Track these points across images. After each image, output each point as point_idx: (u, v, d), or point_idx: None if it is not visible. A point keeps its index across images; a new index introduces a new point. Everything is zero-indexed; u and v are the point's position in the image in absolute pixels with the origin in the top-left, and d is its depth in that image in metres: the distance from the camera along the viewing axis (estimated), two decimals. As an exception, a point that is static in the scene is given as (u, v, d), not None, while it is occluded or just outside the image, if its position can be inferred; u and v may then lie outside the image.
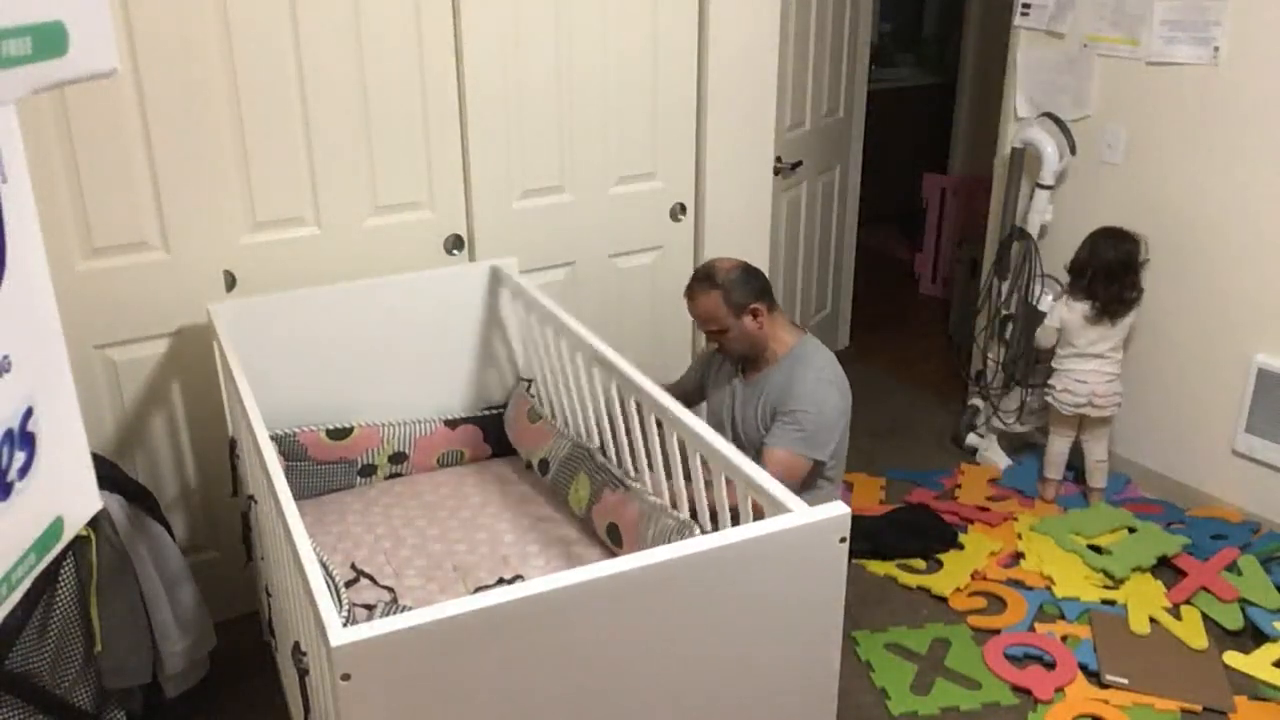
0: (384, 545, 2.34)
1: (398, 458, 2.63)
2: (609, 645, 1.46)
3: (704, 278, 2.50)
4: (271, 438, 1.94)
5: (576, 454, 2.40)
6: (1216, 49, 2.98)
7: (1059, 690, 2.53)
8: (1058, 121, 3.37)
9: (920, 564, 3.02)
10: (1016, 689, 2.55)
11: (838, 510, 1.56)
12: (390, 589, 2.18)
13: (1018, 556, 3.04)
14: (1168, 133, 3.16)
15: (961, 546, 3.07)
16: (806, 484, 2.45)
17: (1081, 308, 3.14)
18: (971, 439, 3.69)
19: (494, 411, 2.75)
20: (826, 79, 3.86)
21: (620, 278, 3.10)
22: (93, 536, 1.88)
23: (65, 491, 1.79)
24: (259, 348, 2.39)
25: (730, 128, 3.12)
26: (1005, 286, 3.52)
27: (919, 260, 5.42)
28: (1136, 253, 3.13)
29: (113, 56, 1.64)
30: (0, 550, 1.60)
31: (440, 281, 2.64)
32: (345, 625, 1.29)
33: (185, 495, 2.67)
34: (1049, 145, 3.32)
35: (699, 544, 1.48)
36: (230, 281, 2.55)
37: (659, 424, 2.03)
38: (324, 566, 1.68)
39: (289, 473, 2.44)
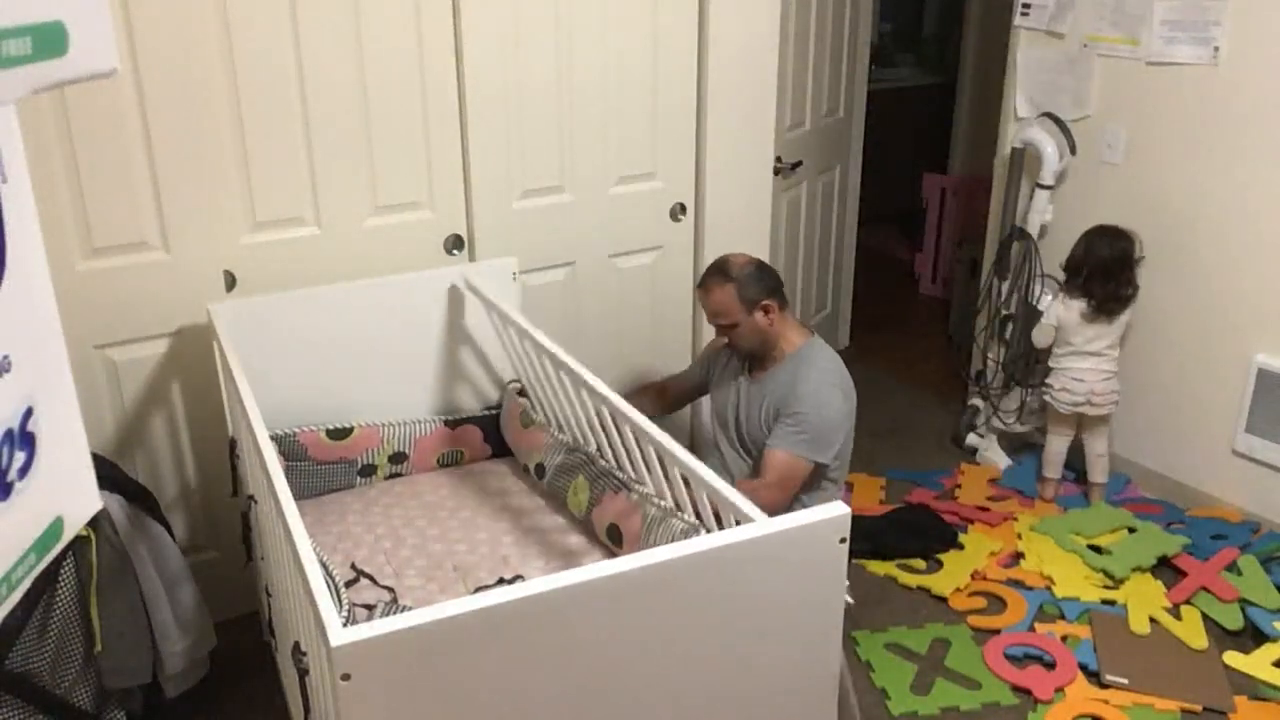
0: (384, 545, 2.34)
1: (398, 458, 2.63)
2: (609, 645, 1.46)
3: (718, 271, 2.50)
4: (271, 438, 1.94)
5: (573, 458, 2.40)
6: (1216, 49, 2.99)
7: (1059, 690, 2.53)
8: (1058, 121, 3.37)
9: (920, 564, 3.02)
10: (1016, 689, 2.55)
11: (838, 510, 1.56)
12: (390, 589, 2.17)
13: (1018, 556, 3.04)
14: (1168, 133, 3.16)
15: (961, 546, 3.07)
16: (809, 485, 2.45)
17: (1078, 305, 3.14)
18: (971, 439, 3.70)
19: (494, 411, 2.75)
20: (826, 79, 3.86)
21: (620, 278, 3.10)
22: (93, 536, 1.88)
23: (65, 491, 1.79)
24: (259, 348, 2.39)
25: (730, 128, 3.12)
26: (1005, 286, 3.52)
27: (919, 260, 5.42)
28: (1131, 249, 3.13)
29: (113, 56, 1.64)
30: (0, 550, 1.60)
31: (440, 281, 2.64)
32: (345, 625, 1.29)
33: (185, 495, 2.67)
34: (1049, 145, 3.33)
35: (699, 544, 1.48)
36: (230, 281, 2.55)
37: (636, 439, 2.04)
38: (324, 566, 1.68)
39: (289, 473, 2.44)
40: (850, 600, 1.62)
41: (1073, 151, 3.37)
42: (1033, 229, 3.43)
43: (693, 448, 2.56)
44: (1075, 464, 3.42)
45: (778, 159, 3.38)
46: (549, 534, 2.37)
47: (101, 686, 1.95)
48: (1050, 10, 3.38)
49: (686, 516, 2.00)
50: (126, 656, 2.01)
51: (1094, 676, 2.57)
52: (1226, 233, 3.07)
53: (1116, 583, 2.89)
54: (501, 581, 2.17)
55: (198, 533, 2.72)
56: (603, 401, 2.08)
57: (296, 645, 1.66)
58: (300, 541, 1.52)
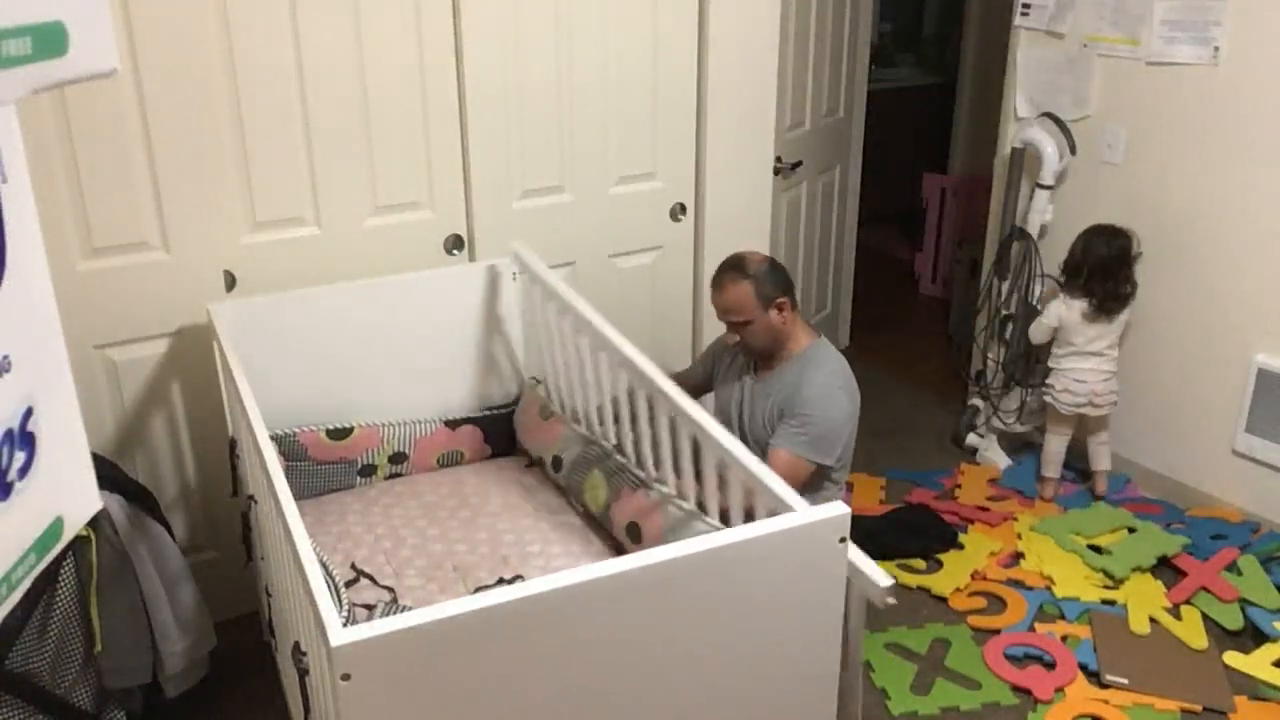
0: (384, 545, 2.34)
1: (398, 458, 2.63)
2: (609, 645, 1.46)
3: (734, 267, 2.50)
4: (271, 438, 1.94)
5: (590, 451, 2.40)
6: (1216, 49, 2.98)
7: (1059, 690, 2.53)
8: (1058, 121, 3.37)
9: (920, 564, 3.02)
10: (1016, 689, 2.55)
11: (838, 510, 1.56)
12: (390, 589, 2.17)
13: (1018, 556, 3.04)
14: (1168, 133, 3.16)
15: (961, 546, 3.07)
16: (811, 486, 2.45)
17: (1080, 306, 3.14)
18: (971, 439, 3.70)
19: (494, 412, 2.75)
20: (826, 79, 3.86)
21: (620, 278, 3.10)
22: (93, 536, 1.88)
23: (65, 491, 1.79)
24: (259, 348, 2.39)
25: (730, 128, 3.12)
26: (1005, 286, 3.52)
27: (919, 260, 5.42)
28: (1129, 247, 3.14)
29: (113, 56, 1.64)
30: (0, 550, 1.60)
31: (440, 281, 2.64)
32: (345, 625, 1.29)
33: (185, 495, 2.67)
34: (1049, 145, 3.33)
35: (699, 544, 1.48)
36: (230, 281, 2.55)
37: (671, 422, 2.03)
38: (324, 566, 1.69)
39: (289, 473, 2.44)
40: (892, 600, 1.62)
41: (1073, 151, 3.37)
42: (1033, 229, 3.43)
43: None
44: (1075, 464, 3.42)
45: (778, 159, 3.38)
46: (550, 534, 2.37)
47: (101, 686, 1.95)
48: (1050, 10, 3.38)
49: (711, 520, 2.00)
50: (126, 656, 2.01)
51: (1094, 676, 2.57)
52: (1226, 233, 3.07)
53: (1116, 583, 2.89)
54: (501, 581, 2.17)
55: (198, 533, 2.72)
56: (642, 379, 2.06)
57: (296, 645, 1.66)
58: (300, 541, 1.52)
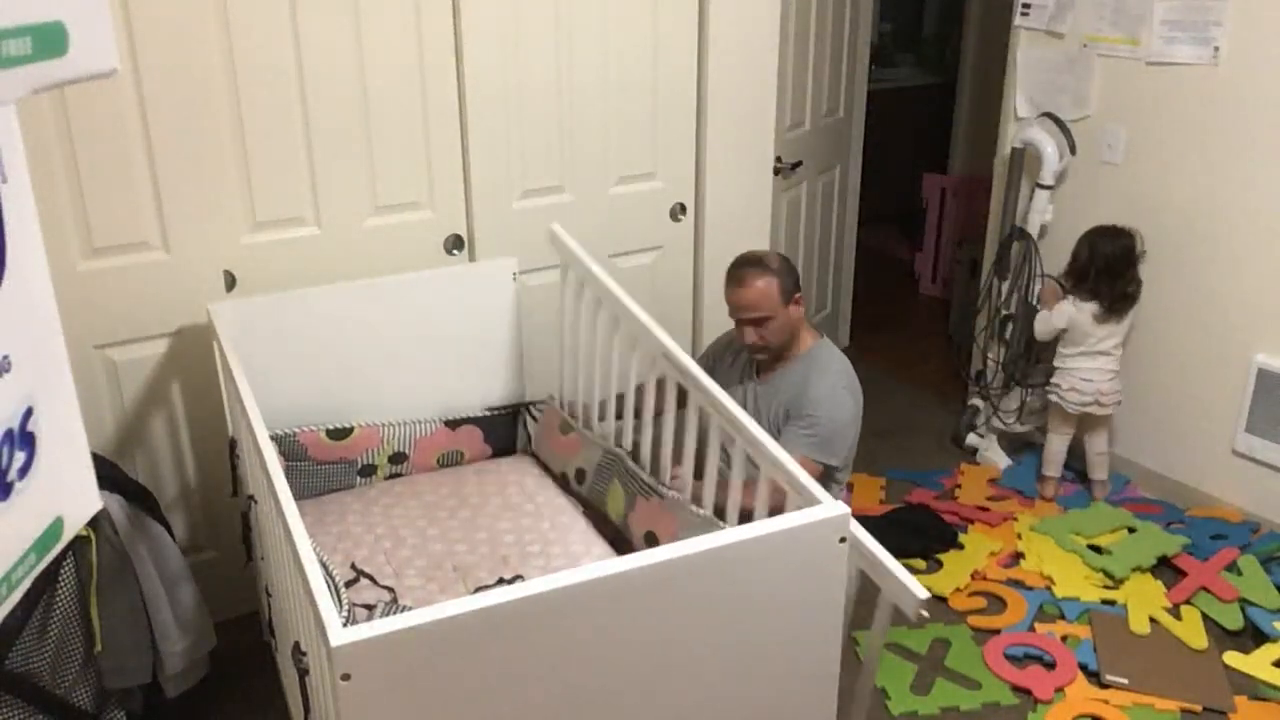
0: (384, 545, 2.34)
1: (398, 458, 2.63)
2: (609, 645, 1.46)
3: (755, 263, 2.49)
4: (271, 438, 1.94)
5: (608, 461, 2.40)
6: (1216, 49, 2.99)
7: (1059, 690, 2.53)
8: (1058, 121, 3.37)
9: (920, 564, 3.02)
10: (1016, 689, 2.55)
11: (838, 510, 1.56)
12: (390, 589, 2.17)
13: (1018, 556, 3.04)
14: (1168, 133, 3.16)
15: (961, 546, 3.07)
16: None
17: (1091, 308, 3.14)
18: (971, 439, 3.70)
19: (494, 412, 2.75)
20: (826, 79, 3.86)
21: (620, 278, 3.06)
22: (93, 536, 1.88)
23: (65, 491, 1.79)
24: (259, 348, 2.39)
25: (730, 128, 3.12)
26: (1005, 286, 3.52)
27: (919, 260, 5.42)
28: (1134, 246, 3.14)
29: (113, 56, 1.64)
30: (0, 550, 1.60)
31: (440, 281, 2.64)
32: (345, 625, 1.29)
33: (185, 495, 2.67)
34: (1049, 145, 3.33)
35: (699, 544, 1.48)
36: (230, 281, 2.55)
37: (700, 416, 2.04)
38: (324, 566, 1.68)
39: (289, 473, 2.44)
40: (926, 614, 1.62)
41: (1073, 151, 3.37)
42: (1033, 229, 3.43)
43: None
44: (1075, 464, 3.42)
45: (778, 159, 3.39)
46: (549, 534, 2.37)
47: (101, 686, 1.95)
48: (1050, 10, 3.38)
49: (730, 524, 1.99)
50: (126, 656, 2.01)
51: (1094, 676, 2.57)
52: (1226, 233, 3.07)
53: (1116, 583, 2.89)
54: (501, 581, 2.17)
55: (198, 533, 2.72)
56: (680, 370, 2.07)
57: (296, 645, 1.66)
58: (300, 541, 1.52)
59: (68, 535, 1.81)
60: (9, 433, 1.56)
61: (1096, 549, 3.04)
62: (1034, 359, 3.48)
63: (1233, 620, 2.73)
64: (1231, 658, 2.62)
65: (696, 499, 2.14)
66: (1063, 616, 2.79)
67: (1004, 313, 3.54)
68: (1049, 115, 3.39)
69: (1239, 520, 3.13)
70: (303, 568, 1.46)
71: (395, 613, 1.75)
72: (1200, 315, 3.18)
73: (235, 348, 2.17)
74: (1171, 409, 3.31)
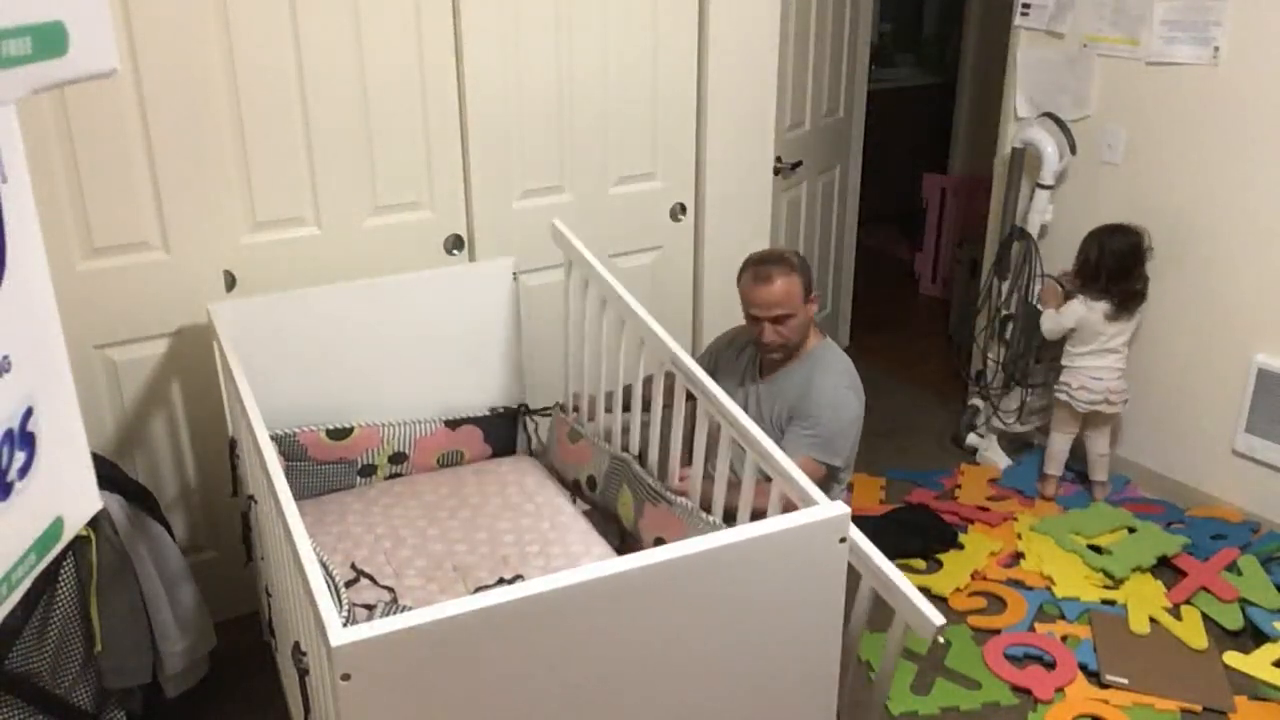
0: (384, 545, 2.34)
1: (398, 458, 2.63)
2: (609, 645, 1.46)
3: (779, 260, 2.49)
4: (271, 438, 1.94)
5: (616, 466, 2.40)
6: (1216, 49, 2.98)
7: (1059, 690, 2.53)
8: (1058, 121, 3.37)
9: (920, 564, 3.02)
10: (1016, 689, 2.55)
11: (838, 510, 1.56)
12: (390, 589, 2.17)
13: (1018, 556, 3.04)
14: (1168, 133, 3.16)
15: (961, 546, 3.07)
16: (820, 487, 2.45)
17: (1102, 307, 3.14)
18: (971, 439, 3.70)
19: (495, 412, 2.75)
20: (826, 79, 3.86)
21: (620, 278, 3.06)
22: (93, 536, 1.88)
23: (65, 491, 1.79)
24: (259, 348, 2.39)
25: (730, 128, 3.12)
26: (1005, 286, 3.52)
27: (919, 260, 5.42)
28: (1142, 243, 3.14)
29: (113, 56, 1.64)
30: (0, 550, 1.60)
31: (440, 281, 2.64)
32: (345, 625, 1.29)
33: (185, 495, 2.67)
34: (1049, 145, 3.33)
35: (699, 544, 1.48)
36: (230, 281, 2.55)
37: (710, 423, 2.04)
38: (324, 566, 1.68)
39: (289, 473, 2.44)
40: (942, 640, 1.63)
41: (1073, 151, 3.37)
42: (1033, 229, 3.43)
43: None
44: (1076, 464, 3.42)
45: (778, 159, 3.38)
46: (549, 534, 2.37)
47: (101, 686, 1.95)
48: (1050, 10, 3.38)
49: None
50: (126, 656, 2.01)
51: (1094, 676, 2.57)
52: (1227, 233, 3.07)
53: (1116, 583, 2.89)
54: (501, 581, 2.17)
55: (198, 533, 2.72)
56: (687, 376, 2.07)
57: (296, 645, 1.66)
58: (300, 541, 1.52)
59: (68, 535, 1.81)
60: (9, 433, 1.56)
61: (1096, 549, 3.03)
62: (1034, 359, 3.48)
63: (1233, 620, 2.73)
64: (1231, 658, 2.62)
65: (706, 501, 2.13)
66: (1063, 616, 2.79)
67: (1004, 313, 3.54)
68: (1049, 115, 3.39)
69: (1239, 520, 3.13)
70: (303, 568, 1.46)
71: (395, 613, 1.75)
72: (1200, 315, 3.18)
73: (235, 348, 2.17)
74: (1171, 409, 3.31)
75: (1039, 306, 3.38)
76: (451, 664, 1.35)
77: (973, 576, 2.95)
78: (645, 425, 2.37)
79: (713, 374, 2.74)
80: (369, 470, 2.61)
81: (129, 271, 2.43)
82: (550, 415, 2.75)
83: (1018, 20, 3.48)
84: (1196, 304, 3.18)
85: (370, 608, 2.02)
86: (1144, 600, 2.81)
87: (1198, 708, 2.47)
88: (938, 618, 1.57)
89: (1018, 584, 2.92)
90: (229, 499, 2.53)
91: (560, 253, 2.99)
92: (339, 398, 2.57)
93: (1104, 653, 2.63)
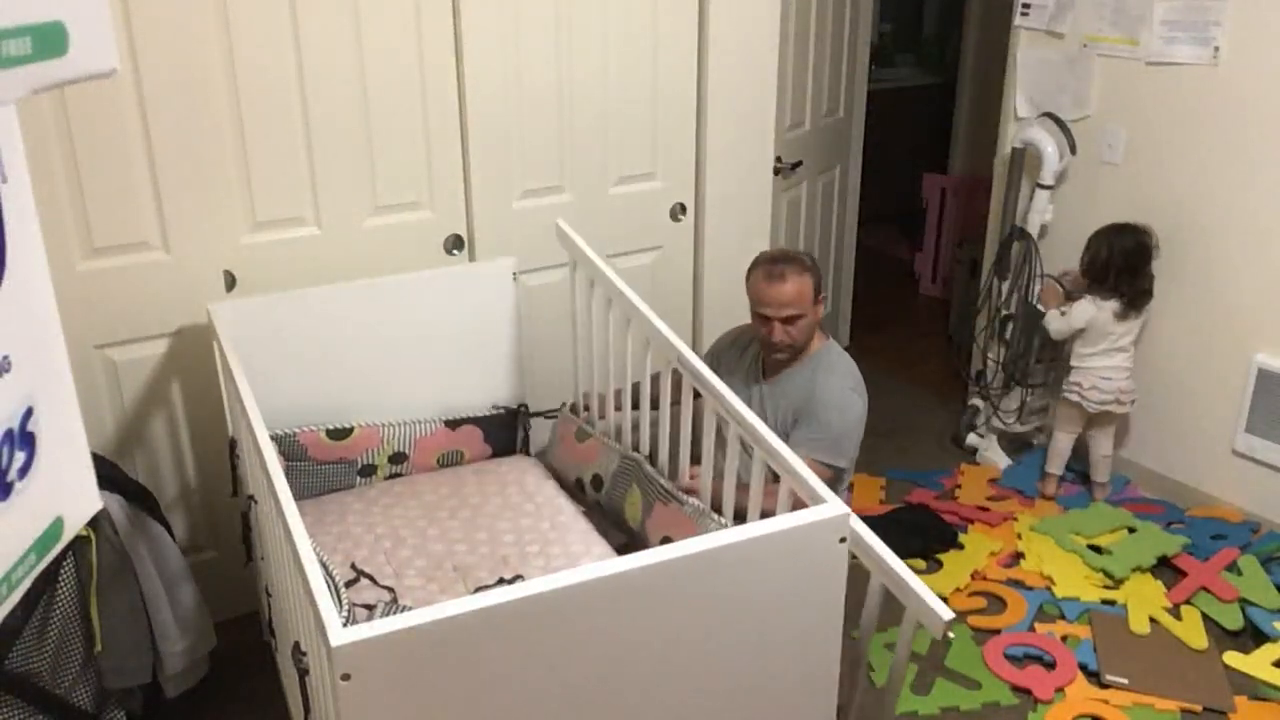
0: (384, 545, 2.34)
1: (398, 458, 2.63)
2: (609, 645, 1.46)
3: (792, 260, 2.49)
4: (271, 438, 1.94)
5: (626, 465, 2.40)
6: (1216, 49, 2.99)
7: (1059, 690, 2.53)
8: (1058, 121, 3.37)
9: (920, 564, 3.02)
10: (1016, 689, 2.55)
11: (838, 510, 1.56)
12: (390, 589, 2.17)
13: (1018, 556, 3.04)
14: (1168, 133, 3.16)
15: (961, 546, 3.07)
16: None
17: (1112, 306, 3.14)
18: (971, 439, 3.70)
19: (495, 412, 2.75)
20: (826, 79, 3.86)
21: (620, 278, 3.10)
22: (93, 536, 1.88)
23: (65, 491, 1.79)
24: (259, 348, 2.39)
25: (730, 128, 3.12)
26: (1005, 286, 3.52)
27: (919, 260, 5.42)
28: (1149, 242, 3.14)
29: (113, 56, 1.64)
30: (0, 550, 1.60)
31: (440, 281, 2.64)
32: (345, 625, 1.29)
33: (185, 495, 2.67)
34: (1049, 145, 3.33)
35: (699, 544, 1.48)
36: (230, 281, 2.55)
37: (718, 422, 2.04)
38: (324, 566, 1.68)
39: (289, 473, 2.44)
40: (952, 635, 1.62)
41: (1073, 151, 3.37)
42: (1033, 229, 3.43)
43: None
44: (1076, 465, 3.42)
45: (778, 159, 3.39)
46: (549, 534, 2.37)
47: (101, 686, 1.95)
48: (1050, 10, 3.38)
49: None
50: (126, 656, 2.01)
51: (1094, 676, 2.57)
52: (1227, 233, 3.07)
53: (1116, 583, 2.89)
54: (501, 581, 2.17)
55: (198, 533, 2.72)
56: (693, 375, 2.07)
57: (296, 645, 1.66)
58: (300, 541, 1.52)
59: (68, 535, 1.81)
60: (9, 433, 1.56)
61: (1096, 549, 3.03)
62: (1034, 359, 3.48)
63: (1233, 620, 2.73)
64: (1231, 658, 2.62)
65: (716, 500, 2.13)
66: (1063, 616, 2.79)
67: (1004, 313, 3.54)
68: (1049, 115, 3.39)
69: (1239, 520, 3.13)
70: (303, 568, 1.46)
71: (395, 613, 1.75)
72: (1200, 315, 3.18)
73: (235, 348, 2.17)
74: (1171, 409, 3.31)
75: (1039, 306, 3.38)
76: (451, 664, 1.35)
77: (973, 576, 2.95)
78: (655, 424, 2.37)
79: (715, 371, 2.74)
80: (369, 470, 2.61)
81: (129, 271, 2.43)
82: (554, 417, 2.75)
83: (1018, 20, 3.48)
84: (1196, 304, 3.18)
85: (370, 608, 2.02)
86: (1144, 600, 2.81)
87: (1198, 708, 2.47)
88: (947, 613, 1.57)
89: (1018, 584, 2.92)
90: (229, 499, 2.53)
91: (561, 253, 2.99)
92: (339, 398, 2.57)
93: (1104, 653, 2.63)
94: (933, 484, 3.47)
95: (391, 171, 2.66)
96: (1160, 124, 3.17)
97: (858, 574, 2.93)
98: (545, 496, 2.52)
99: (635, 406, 2.45)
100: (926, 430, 3.88)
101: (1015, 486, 3.42)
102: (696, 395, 2.13)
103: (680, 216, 3.15)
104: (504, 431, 2.76)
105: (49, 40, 1.50)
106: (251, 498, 2.17)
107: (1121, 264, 3.11)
